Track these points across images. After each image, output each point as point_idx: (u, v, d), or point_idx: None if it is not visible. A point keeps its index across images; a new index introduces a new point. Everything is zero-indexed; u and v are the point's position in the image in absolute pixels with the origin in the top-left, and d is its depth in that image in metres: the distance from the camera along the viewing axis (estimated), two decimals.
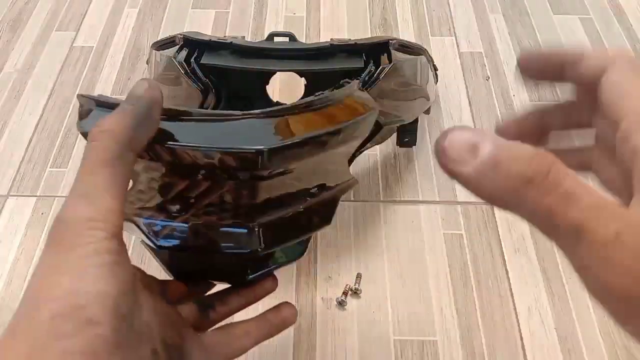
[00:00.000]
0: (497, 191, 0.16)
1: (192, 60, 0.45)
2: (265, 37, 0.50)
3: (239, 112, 0.24)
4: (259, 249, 0.27)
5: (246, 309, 0.32)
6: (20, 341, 0.19)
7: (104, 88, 0.60)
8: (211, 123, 0.24)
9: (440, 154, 0.17)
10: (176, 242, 0.28)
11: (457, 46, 0.65)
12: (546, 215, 0.16)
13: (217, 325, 0.31)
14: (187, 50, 0.45)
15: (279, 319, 0.31)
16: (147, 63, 0.57)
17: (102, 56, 0.64)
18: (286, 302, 0.32)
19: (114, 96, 0.59)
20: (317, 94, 0.29)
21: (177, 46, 0.46)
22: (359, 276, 0.45)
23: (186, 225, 0.28)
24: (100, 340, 0.19)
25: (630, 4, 0.70)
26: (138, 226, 0.28)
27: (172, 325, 0.26)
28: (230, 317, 0.32)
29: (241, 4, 0.70)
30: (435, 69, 0.55)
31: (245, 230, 0.27)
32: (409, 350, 0.42)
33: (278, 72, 0.47)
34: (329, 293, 0.45)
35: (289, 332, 0.42)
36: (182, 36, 0.46)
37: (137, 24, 0.68)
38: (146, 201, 0.28)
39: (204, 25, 0.67)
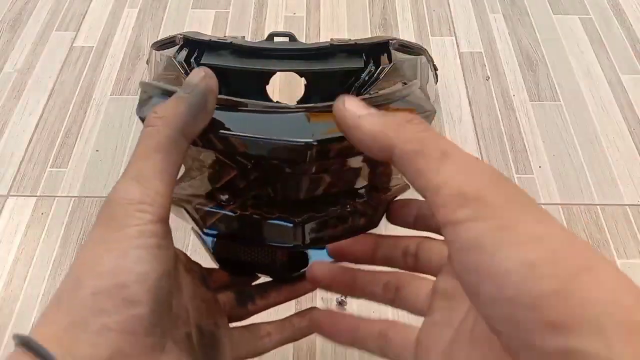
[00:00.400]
0: (382, 127, 0.20)
1: (192, 60, 0.45)
2: (265, 37, 0.50)
3: (293, 105, 0.25)
4: (302, 244, 0.28)
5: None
6: (62, 314, 0.19)
7: (104, 88, 0.60)
8: (265, 114, 0.24)
9: (340, 102, 0.21)
10: (222, 230, 0.28)
11: (457, 46, 0.65)
12: (420, 142, 0.19)
13: (243, 322, 0.31)
14: (187, 50, 0.45)
15: (305, 324, 0.31)
16: (147, 63, 0.57)
17: (102, 56, 0.64)
18: (314, 307, 0.32)
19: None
20: (372, 92, 0.28)
21: (177, 46, 0.46)
22: None
23: (233, 214, 0.28)
24: (137, 320, 0.20)
25: (630, 4, 0.70)
26: (187, 212, 0.28)
27: (209, 312, 0.27)
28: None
29: (241, 4, 0.70)
30: (435, 69, 0.55)
31: (290, 225, 0.27)
32: None
33: (278, 72, 0.47)
34: (329, 293, 0.45)
35: None
36: (182, 36, 0.46)
37: (137, 24, 0.68)
38: (196, 188, 0.29)
39: (204, 25, 0.67)
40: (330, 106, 0.24)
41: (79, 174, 0.53)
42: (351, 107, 0.21)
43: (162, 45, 0.49)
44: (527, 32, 0.67)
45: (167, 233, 0.21)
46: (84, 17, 0.68)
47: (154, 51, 0.49)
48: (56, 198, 0.51)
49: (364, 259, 0.27)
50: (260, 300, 0.31)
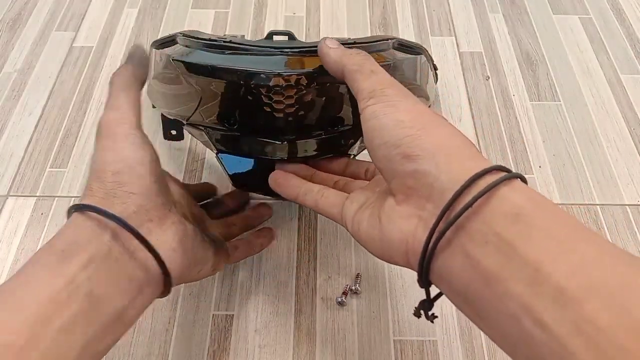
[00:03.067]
0: (340, 55, 0.31)
1: None
2: (264, 36, 0.50)
3: (276, 48, 0.34)
4: (285, 158, 0.37)
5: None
6: (96, 191, 0.28)
7: (104, 88, 0.60)
8: (258, 56, 0.35)
9: (323, 41, 0.32)
10: (228, 147, 0.39)
11: (457, 46, 0.65)
12: (359, 65, 0.30)
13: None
14: None
15: (257, 214, 0.46)
16: None
17: (102, 56, 0.64)
18: (263, 203, 0.47)
19: None
20: (347, 39, 0.36)
21: (177, 45, 0.46)
22: (359, 276, 0.45)
23: (236, 134, 0.38)
24: (148, 187, 0.29)
25: (630, 3, 0.70)
26: (206, 133, 0.39)
27: (195, 206, 0.39)
28: None
29: (241, 3, 0.70)
30: (435, 69, 0.55)
31: (279, 143, 0.37)
32: (409, 350, 0.42)
33: None
34: (329, 293, 0.45)
35: (289, 332, 0.42)
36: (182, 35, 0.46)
37: (137, 24, 0.68)
38: (210, 117, 0.38)
39: (204, 25, 0.67)
40: (305, 51, 0.34)
41: (78, 174, 0.53)
42: (327, 42, 0.32)
43: (162, 44, 0.49)
44: (527, 32, 0.67)
45: (145, 136, 0.31)
46: (83, 17, 0.68)
47: (153, 50, 0.49)
48: (56, 198, 0.51)
49: (337, 172, 0.38)
50: (219, 209, 0.44)
